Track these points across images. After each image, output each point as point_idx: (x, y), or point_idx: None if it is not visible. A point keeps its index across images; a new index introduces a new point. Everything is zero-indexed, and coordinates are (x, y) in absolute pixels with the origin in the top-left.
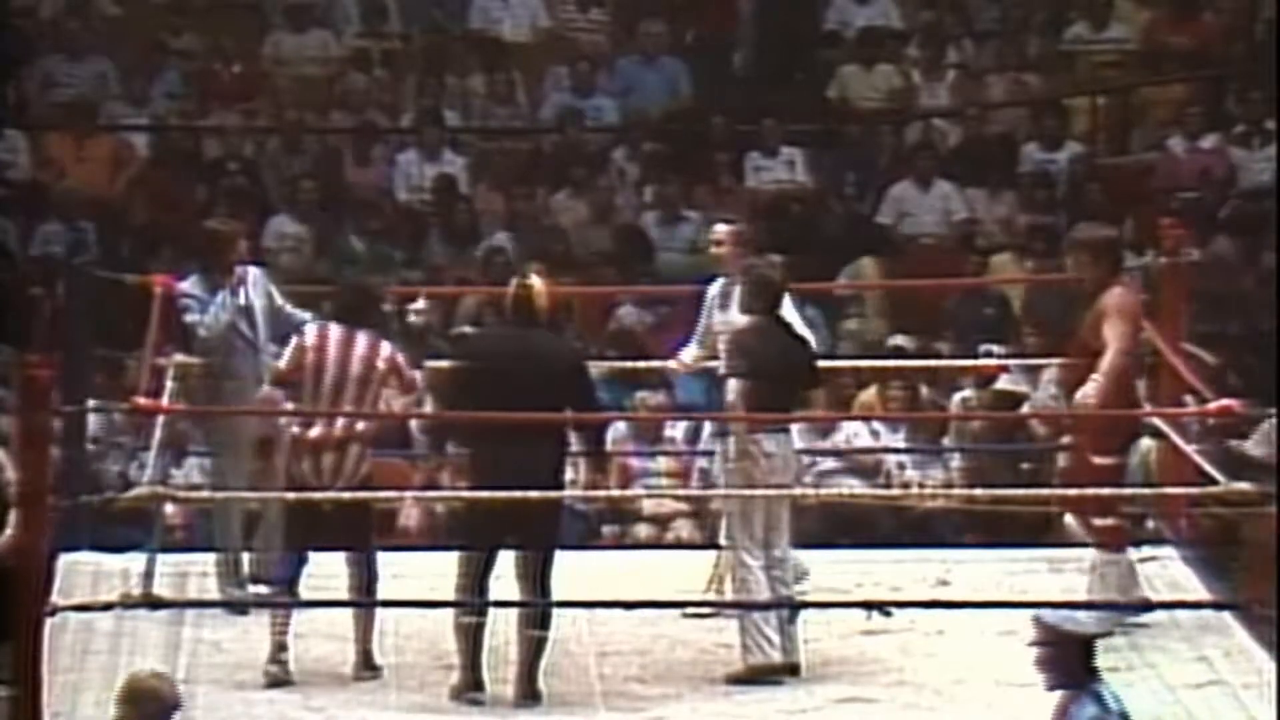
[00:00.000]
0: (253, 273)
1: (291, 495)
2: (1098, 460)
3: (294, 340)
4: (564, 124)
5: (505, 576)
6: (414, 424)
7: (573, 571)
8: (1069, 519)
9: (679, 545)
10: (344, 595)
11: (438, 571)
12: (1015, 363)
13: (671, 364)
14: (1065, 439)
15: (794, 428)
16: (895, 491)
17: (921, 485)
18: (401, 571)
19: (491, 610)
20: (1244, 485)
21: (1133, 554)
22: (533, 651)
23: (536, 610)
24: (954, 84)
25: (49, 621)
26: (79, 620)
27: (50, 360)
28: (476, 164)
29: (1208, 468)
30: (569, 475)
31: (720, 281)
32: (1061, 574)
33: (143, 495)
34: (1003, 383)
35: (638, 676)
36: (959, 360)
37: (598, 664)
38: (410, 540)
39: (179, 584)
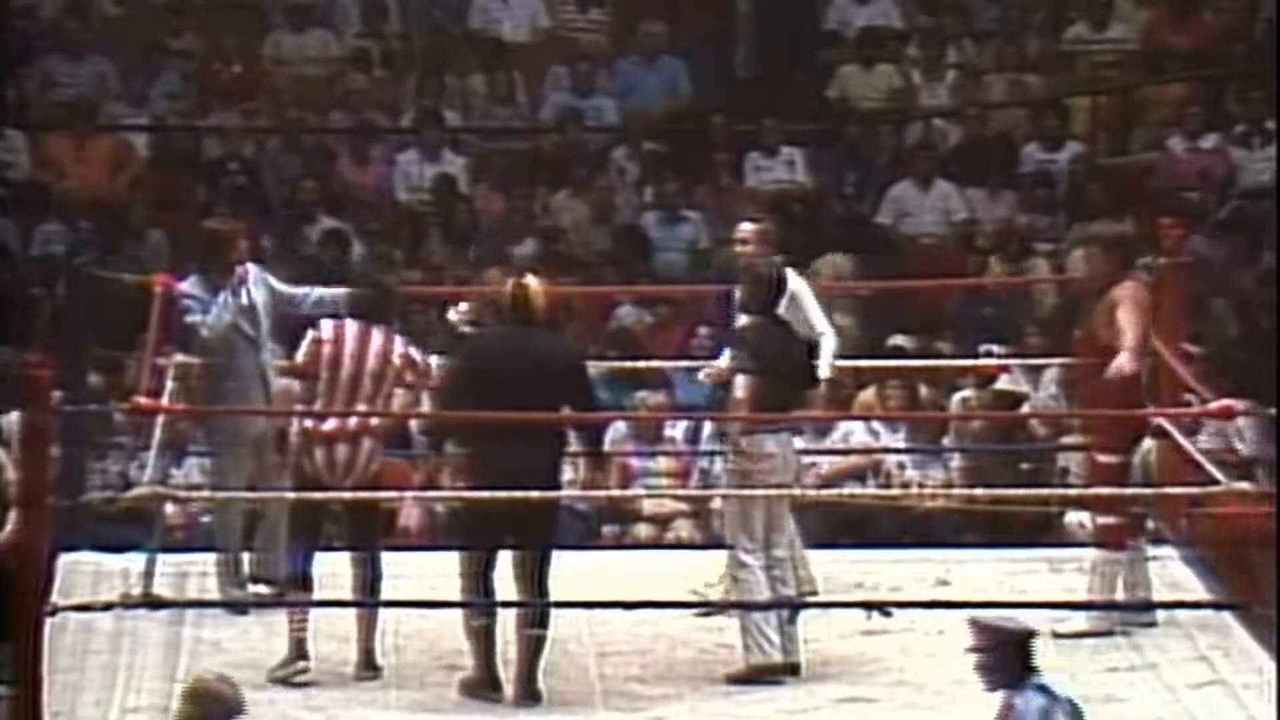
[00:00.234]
0: (253, 271)
1: (292, 495)
2: (1103, 459)
3: (310, 333)
4: (564, 124)
5: (504, 576)
6: (413, 423)
7: (573, 571)
8: (1078, 517)
9: (679, 545)
10: (347, 594)
11: (438, 571)
12: (1015, 363)
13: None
14: (1065, 439)
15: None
16: (895, 491)
17: (921, 485)
18: (401, 571)
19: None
20: (1244, 485)
21: (1148, 550)
22: (531, 651)
23: (534, 609)
24: (954, 84)
25: (49, 621)
26: (79, 620)
27: (50, 360)
28: (476, 164)
29: (1209, 467)
30: (568, 475)
31: None
32: (1061, 574)
33: (143, 495)
34: (1003, 383)
35: (638, 676)
36: (959, 360)
37: (598, 664)
38: (410, 540)
39: (179, 584)
